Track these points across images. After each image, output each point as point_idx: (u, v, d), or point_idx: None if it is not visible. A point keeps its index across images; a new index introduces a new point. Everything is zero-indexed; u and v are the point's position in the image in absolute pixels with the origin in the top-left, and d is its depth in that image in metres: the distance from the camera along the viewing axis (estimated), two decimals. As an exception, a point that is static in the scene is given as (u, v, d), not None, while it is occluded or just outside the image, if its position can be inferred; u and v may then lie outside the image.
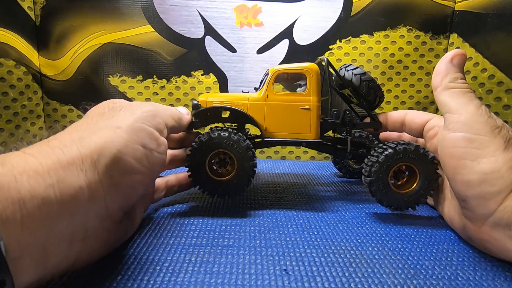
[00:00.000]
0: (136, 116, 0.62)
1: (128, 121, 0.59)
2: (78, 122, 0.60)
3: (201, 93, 1.54)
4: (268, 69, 1.01)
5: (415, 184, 0.85)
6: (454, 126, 0.67)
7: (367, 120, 1.01)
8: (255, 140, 0.98)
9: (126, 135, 0.56)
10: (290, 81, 1.10)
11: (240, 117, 0.96)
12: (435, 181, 0.85)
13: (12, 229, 0.37)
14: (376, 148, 0.87)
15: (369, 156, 0.87)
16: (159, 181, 0.90)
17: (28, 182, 0.40)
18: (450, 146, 0.68)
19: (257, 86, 1.13)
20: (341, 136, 1.04)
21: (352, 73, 0.98)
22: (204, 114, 0.94)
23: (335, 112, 0.98)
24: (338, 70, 1.04)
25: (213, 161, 0.87)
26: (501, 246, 0.63)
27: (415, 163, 0.84)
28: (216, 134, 0.85)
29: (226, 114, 0.97)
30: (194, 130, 0.96)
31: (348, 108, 1.00)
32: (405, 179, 0.88)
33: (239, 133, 0.86)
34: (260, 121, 0.95)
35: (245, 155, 0.86)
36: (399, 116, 0.95)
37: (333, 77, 1.03)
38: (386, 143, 0.87)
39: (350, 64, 1.02)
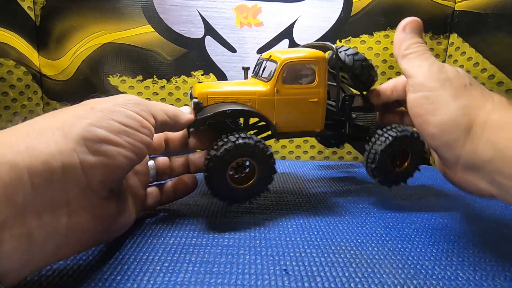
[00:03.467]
0: (116, 102, 0.61)
1: (105, 104, 0.59)
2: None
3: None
4: (261, 55, 0.95)
5: (406, 163, 0.97)
6: (413, 88, 0.73)
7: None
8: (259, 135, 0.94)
9: (100, 113, 0.56)
10: (297, 72, 0.99)
11: (247, 114, 0.90)
12: (422, 159, 0.98)
13: None
14: (377, 136, 0.94)
15: (370, 143, 0.94)
16: (152, 187, 0.87)
17: None
18: (412, 107, 0.73)
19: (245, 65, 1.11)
20: (339, 118, 1.03)
21: (345, 54, 0.97)
22: (208, 120, 0.86)
23: (347, 96, 0.99)
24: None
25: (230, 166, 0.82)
26: (475, 187, 0.67)
27: (410, 147, 0.95)
28: (241, 141, 0.79)
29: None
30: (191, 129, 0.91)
31: (347, 94, 1.01)
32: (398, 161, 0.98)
33: (262, 141, 0.82)
34: (269, 117, 0.90)
35: (268, 164, 0.83)
36: (388, 86, 1.01)
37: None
38: (387, 130, 0.94)
39: (342, 46, 1.01)
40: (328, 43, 0.98)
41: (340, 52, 0.98)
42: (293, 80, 0.92)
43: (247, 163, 0.85)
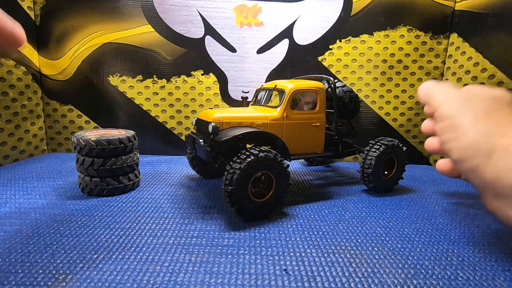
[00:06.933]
0: None
1: None
2: None
3: (201, 93, 1.54)
4: (261, 85, 1.03)
5: (394, 171, 1.10)
6: (437, 119, 0.70)
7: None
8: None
9: None
10: (301, 99, 1.14)
11: (266, 136, 0.96)
12: (404, 168, 1.12)
13: None
14: (371, 145, 1.09)
15: (366, 152, 1.08)
16: None
17: None
18: (439, 135, 0.71)
19: (247, 90, 1.16)
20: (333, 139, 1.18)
21: (336, 86, 1.09)
22: (228, 146, 0.90)
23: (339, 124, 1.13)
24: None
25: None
26: (504, 214, 0.63)
27: (396, 155, 1.08)
28: (263, 155, 0.80)
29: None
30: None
31: (339, 120, 1.15)
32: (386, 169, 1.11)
33: (279, 154, 0.84)
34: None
35: (284, 176, 0.86)
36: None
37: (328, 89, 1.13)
38: (378, 141, 1.09)
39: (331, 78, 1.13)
40: (325, 75, 1.11)
41: (331, 84, 1.10)
42: (298, 107, 1.05)
43: (262, 178, 0.87)
